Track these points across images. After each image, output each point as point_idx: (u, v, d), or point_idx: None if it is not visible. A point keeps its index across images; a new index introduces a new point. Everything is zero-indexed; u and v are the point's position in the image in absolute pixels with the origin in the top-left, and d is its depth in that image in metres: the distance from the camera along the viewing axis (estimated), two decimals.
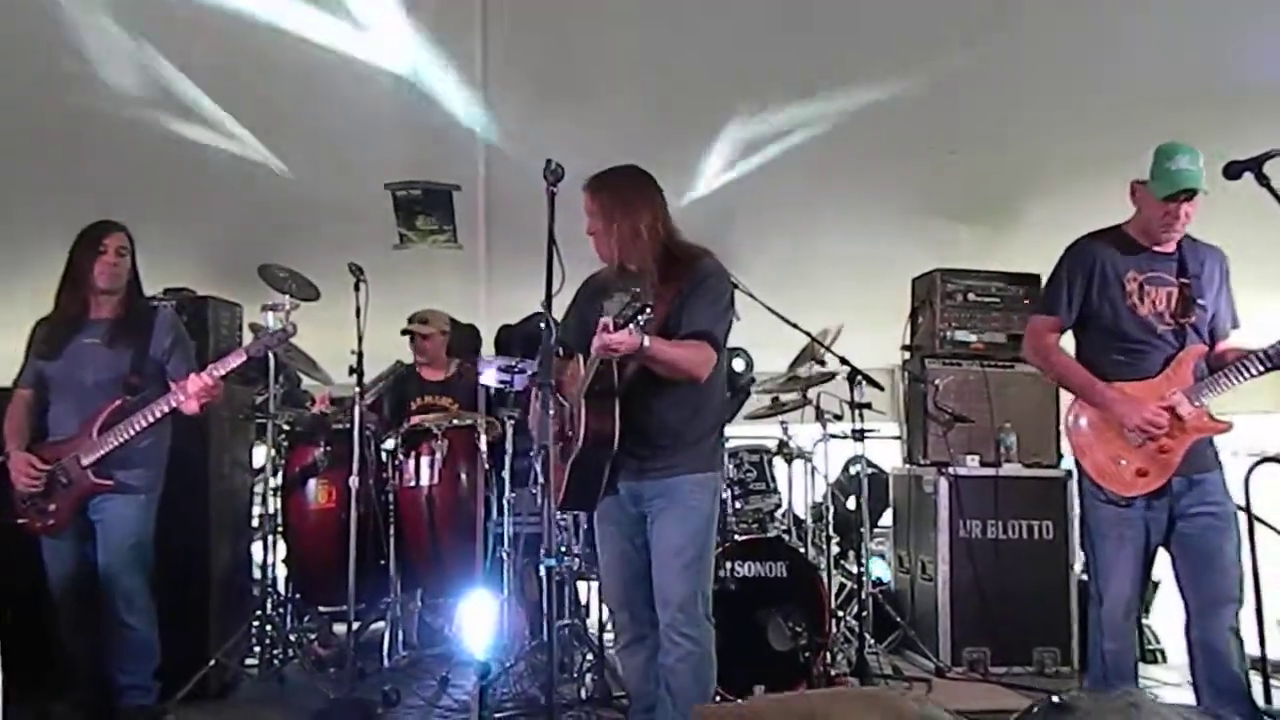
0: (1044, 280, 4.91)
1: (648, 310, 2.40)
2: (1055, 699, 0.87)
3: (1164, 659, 4.67)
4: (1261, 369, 2.83)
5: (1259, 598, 3.30)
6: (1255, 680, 3.07)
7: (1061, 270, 3.13)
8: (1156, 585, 4.61)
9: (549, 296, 2.38)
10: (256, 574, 4.67)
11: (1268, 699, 3.49)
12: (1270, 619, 3.49)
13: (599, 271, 2.99)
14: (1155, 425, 2.87)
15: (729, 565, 3.88)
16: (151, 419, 3.34)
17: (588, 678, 4.03)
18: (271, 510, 4.59)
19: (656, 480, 2.79)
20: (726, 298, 2.83)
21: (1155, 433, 2.88)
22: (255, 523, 4.81)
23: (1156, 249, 3.03)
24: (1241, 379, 2.86)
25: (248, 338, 4.44)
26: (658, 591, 2.78)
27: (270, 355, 4.32)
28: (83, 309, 3.47)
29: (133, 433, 3.33)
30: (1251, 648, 3.03)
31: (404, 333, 5.16)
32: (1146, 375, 2.97)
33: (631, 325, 2.44)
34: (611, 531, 2.92)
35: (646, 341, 2.54)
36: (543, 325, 2.49)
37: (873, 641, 4.51)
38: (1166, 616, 4.34)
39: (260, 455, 4.81)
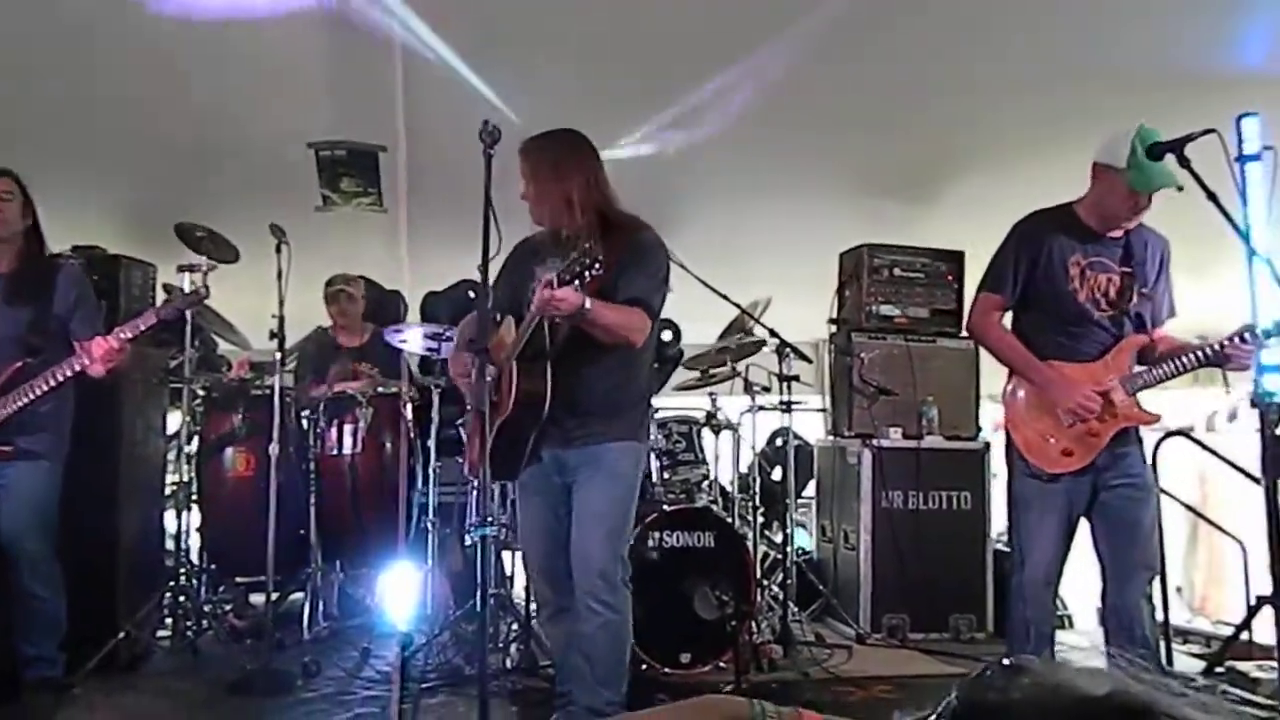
0: (967, 256, 5.10)
1: (596, 267, 2.37)
2: (1006, 661, 0.87)
3: (1071, 625, 4.84)
4: (1198, 364, 2.88)
5: (1162, 566, 3.44)
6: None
7: (1008, 249, 3.11)
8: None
9: (485, 261, 2.33)
10: (170, 544, 4.53)
11: (1170, 662, 3.66)
12: (1170, 586, 3.64)
13: (532, 235, 2.95)
14: (1088, 409, 2.92)
15: (657, 535, 3.89)
16: (54, 382, 3.18)
17: (513, 648, 4.01)
18: (186, 478, 4.45)
19: (583, 448, 2.78)
20: (664, 270, 2.82)
21: (1087, 416, 2.93)
22: (169, 490, 4.65)
23: (1104, 233, 3.02)
24: (1178, 372, 2.91)
25: (161, 299, 4.27)
26: (578, 557, 2.76)
27: (187, 317, 4.16)
28: None
29: (34, 396, 3.18)
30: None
31: (333, 295, 5.02)
32: (1083, 358, 3.01)
33: (576, 282, 2.40)
34: (536, 502, 2.89)
35: (588, 303, 2.52)
36: (472, 292, 2.43)
37: (796, 610, 4.58)
38: (1073, 584, 4.50)
39: (175, 420, 4.65)
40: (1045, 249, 3.02)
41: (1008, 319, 3.19)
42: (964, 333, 5.10)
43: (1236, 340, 2.81)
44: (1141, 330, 3.05)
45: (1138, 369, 3.00)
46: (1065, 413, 2.95)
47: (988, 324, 3.14)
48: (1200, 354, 2.88)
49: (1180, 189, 2.77)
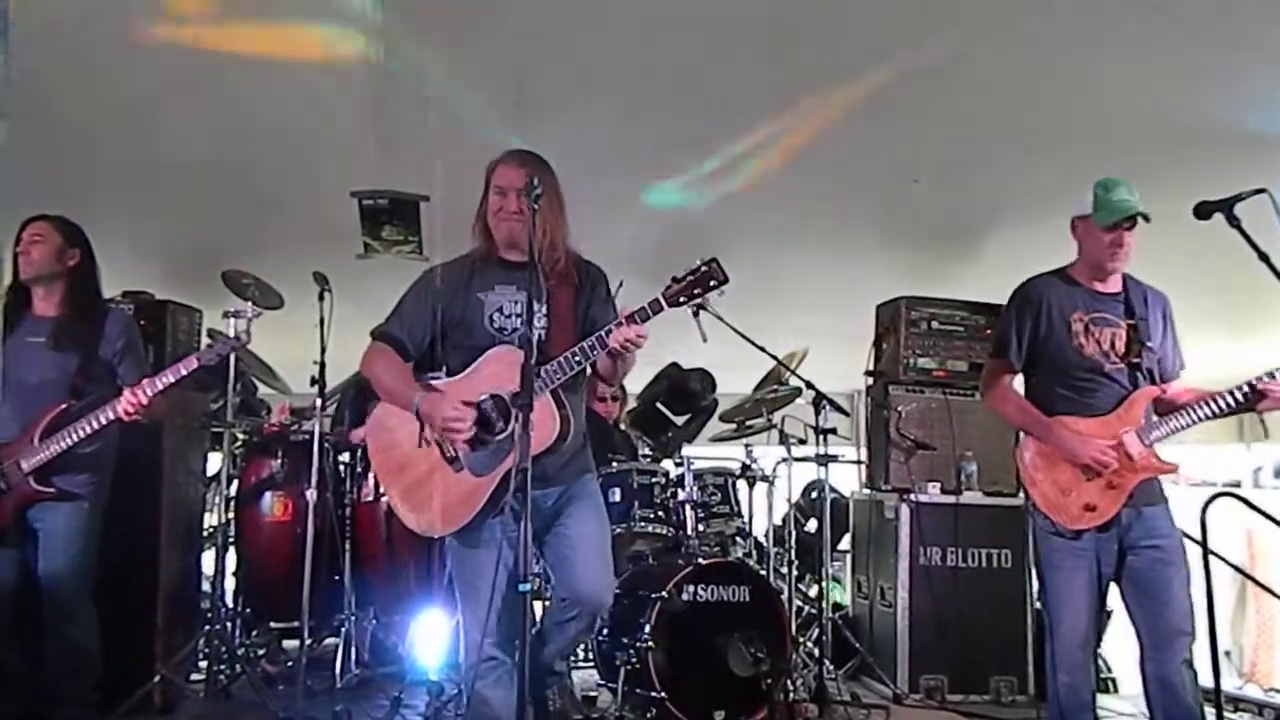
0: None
1: (721, 292, 2.38)
2: None
3: (1116, 689, 4.71)
4: (1227, 410, 2.88)
5: (1212, 630, 3.34)
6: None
7: (1010, 314, 3.20)
8: (1109, 614, 4.65)
9: (530, 313, 2.32)
10: (206, 586, 4.55)
11: None
12: (1220, 650, 3.53)
13: (461, 259, 2.81)
14: (1103, 463, 2.92)
15: (691, 589, 3.84)
16: (98, 425, 3.22)
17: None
18: (223, 521, 4.48)
19: (560, 487, 2.72)
20: None
21: (1103, 470, 2.93)
22: (206, 533, 4.69)
23: (1101, 289, 3.10)
24: (1194, 421, 2.93)
25: (205, 345, 4.34)
26: (587, 583, 2.68)
27: (230, 362, 4.22)
28: (23, 304, 3.37)
29: (78, 438, 3.22)
30: (1205, 679, 3.06)
31: None
32: (1096, 412, 3.02)
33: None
34: (491, 556, 2.56)
35: None
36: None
37: (831, 667, 4.49)
38: (1118, 646, 4.38)
39: (214, 464, 4.69)
40: (1044, 309, 3.09)
41: (1020, 384, 3.24)
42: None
43: (1270, 378, 2.80)
44: (1152, 383, 3.05)
45: (1155, 419, 2.99)
46: (1082, 468, 2.95)
47: (998, 388, 3.21)
48: (1230, 398, 2.87)
49: (1147, 219, 2.96)
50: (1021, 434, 3.16)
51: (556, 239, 2.67)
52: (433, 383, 2.71)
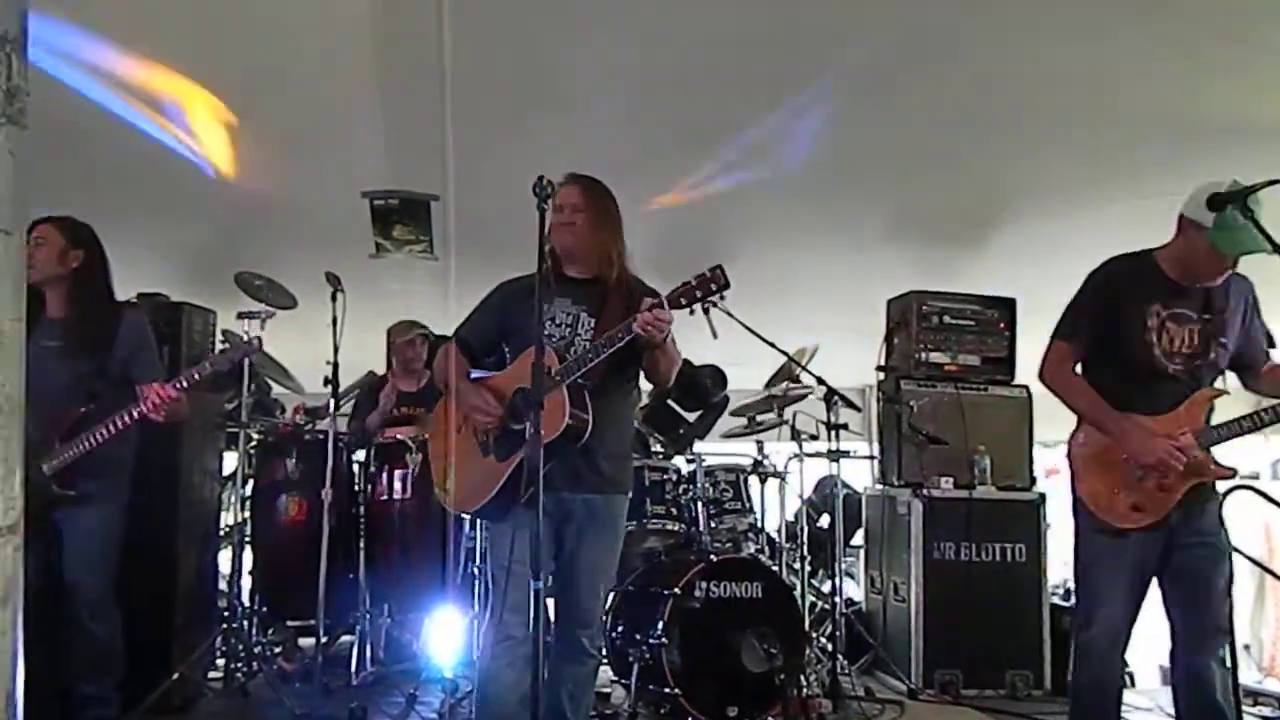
0: (1019, 303, 5.05)
1: (723, 296, 2.49)
2: None
3: (1132, 683, 4.69)
4: None
5: (1231, 624, 3.32)
6: None
7: (1085, 296, 2.98)
8: None
9: (539, 313, 2.34)
10: (222, 585, 4.58)
11: None
12: (1238, 644, 3.51)
13: (522, 277, 2.93)
14: (1169, 464, 2.76)
15: (704, 585, 3.85)
16: (115, 428, 3.25)
17: None
18: (239, 520, 4.51)
19: (588, 495, 2.80)
20: None
21: (1168, 471, 2.78)
22: (222, 532, 4.72)
23: (1185, 284, 2.88)
24: (1259, 425, 2.77)
25: (220, 347, 4.37)
26: (580, 608, 2.84)
27: (245, 362, 4.25)
28: (38, 307, 3.36)
29: (99, 440, 3.24)
30: None
31: (407, 341, 5.08)
32: (1155, 410, 2.87)
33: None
34: (523, 541, 2.65)
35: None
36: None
37: (845, 663, 4.49)
38: (1134, 641, 4.36)
39: (229, 463, 4.72)
40: (1124, 298, 2.90)
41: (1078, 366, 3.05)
42: (1018, 380, 5.08)
43: None
44: (1213, 382, 2.92)
45: (1233, 416, 2.83)
46: (1146, 467, 2.81)
47: (1062, 372, 2.99)
48: None
49: (1277, 250, 2.59)
50: (1079, 424, 3.01)
51: (613, 255, 2.86)
52: (475, 375, 2.93)
